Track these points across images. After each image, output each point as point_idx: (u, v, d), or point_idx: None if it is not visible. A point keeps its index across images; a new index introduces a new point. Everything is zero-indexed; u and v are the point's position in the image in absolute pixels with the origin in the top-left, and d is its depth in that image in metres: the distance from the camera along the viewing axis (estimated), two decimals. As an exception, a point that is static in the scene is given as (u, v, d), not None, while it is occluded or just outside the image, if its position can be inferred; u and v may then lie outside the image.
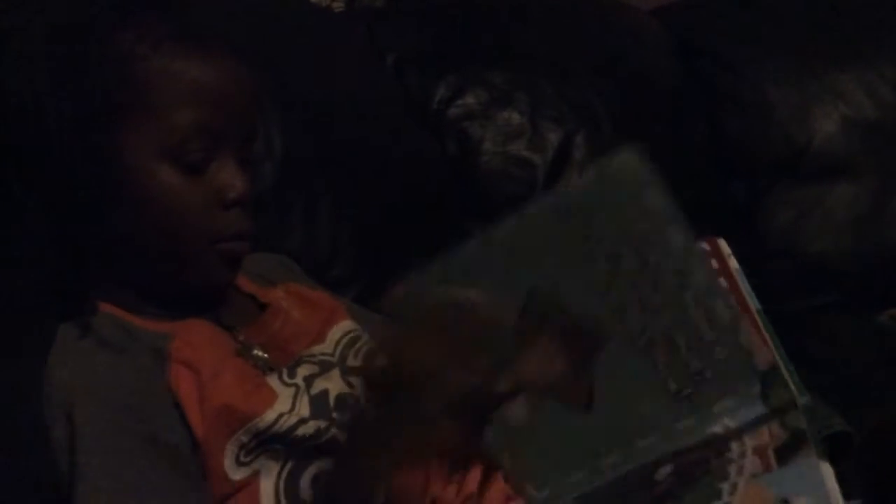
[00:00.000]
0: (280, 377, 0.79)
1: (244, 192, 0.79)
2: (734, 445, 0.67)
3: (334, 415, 0.79)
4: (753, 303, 0.76)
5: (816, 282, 1.61)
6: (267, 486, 0.75)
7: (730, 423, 0.67)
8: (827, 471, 0.62)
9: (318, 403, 0.79)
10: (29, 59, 0.76)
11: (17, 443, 0.73)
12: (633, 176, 0.68)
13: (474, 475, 0.81)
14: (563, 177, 1.50)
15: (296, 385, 0.79)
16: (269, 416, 0.75)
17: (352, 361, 0.86)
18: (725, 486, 0.65)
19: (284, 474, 0.75)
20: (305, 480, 0.75)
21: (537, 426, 0.72)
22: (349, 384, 0.83)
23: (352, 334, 0.89)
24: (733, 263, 0.78)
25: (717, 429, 0.67)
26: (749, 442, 0.67)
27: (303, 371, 0.81)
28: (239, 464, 0.74)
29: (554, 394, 0.70)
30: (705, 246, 0.82)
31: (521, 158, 1.49)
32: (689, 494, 0.67)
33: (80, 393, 0.72)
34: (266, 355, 0.82)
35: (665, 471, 0.68)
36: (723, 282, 0.75)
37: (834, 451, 0.77)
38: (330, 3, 1.64)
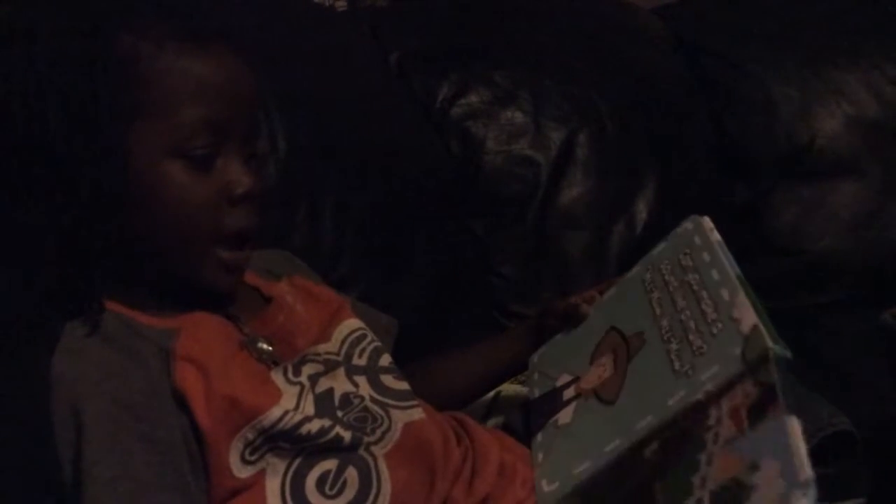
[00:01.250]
0: (285, 375, 0.79)
1: (252, 187, 0.80)
2: (713, 412, 0.68)
3: (339, 413, 0.79)
4: (734, 269, 0.79)
5: (820, 280, 1.61)
6: (273, 485, 0.75)
7: (710, 387, 0.69)
8: (793, 427, 0.61)
9: (323, 402, 0.79)
10: (34, 61, 0.76)
11: (23, 440, 0.73)
12: (689, 232, 0.88)
13: (485, 477, 0.81)
14: (566, 175, 1.50)
15: (300, 384, 0.79)
16: (275, 412, 0.75)
17: (357, 360, 0.87)
18: (703, 457, 0.66)
19: (290, 473, 0.75)
20: (311, 480, 0.76)
21: (573, 425, 0.79)
22: (354, 383, 0.84)
23: (357, 333, 0.89)
24: (715, 237, 0.85)
25: (699, 396, 0.69)
26: (725, 405, 0.68)
27: (307, 370, 0.81)
28: (245, 462, 0.74)
29: (597, 395, 0.82)
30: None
31: (524, 157, 1.49)
32: (672, 469, 0.69)
33: (84, 390, 0.72)
34: (271, 348, 0.82)
35: (652, 448, 0.70)
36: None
37: (837, 449, 0.78)
38: (333, 3, 1.64)
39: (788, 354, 0.67)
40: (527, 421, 0.89)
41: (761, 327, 0.69)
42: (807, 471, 0.59)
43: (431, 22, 1.59)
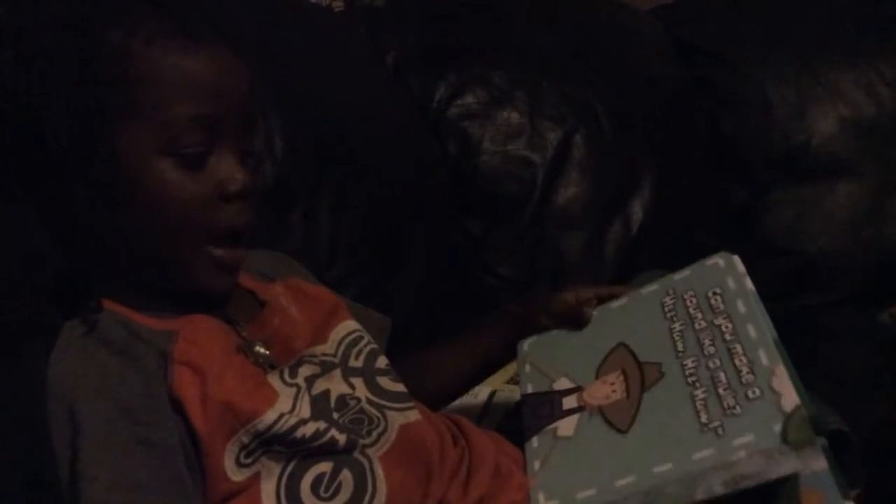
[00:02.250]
0: (281, 377, 0.79)
1: (245, 184, 0.79)
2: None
3: (335, 415, 0.79)
4: (770, 332, 0.79)
5: (815, 281, 1.61)
6: (268, 488, 0.75)
7: (743, 454, 0.70)
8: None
9: (319, 404, 0.79)
10: (23, 59, 0.76)
11: (19, 440, 0.73)
12: (721, 270, 0.87)
13: (481, 478, 0.81)
14: (562, 176, 1.51)
15: (297, 385, 0.79)
16: (270, 416, 0.75)
17: (353, 362, 0.87)
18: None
19: (285, 476, 0.75)
20: (306, 483, 0.75)
21: (576, 441, 0.78)
22: (350, 385, 0.84)
23: (354, 335, 0.89)
24: (749, 285, 0.84)
25: (730, 458, 0.69)
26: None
27: (304, 371, 0.81)
28: (239, 465, 0.74)
29: (603, 415, 0.81)
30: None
31: (520, 157, 1.50)
32: None
33: (81, 391, 0.72)
34: (267, 352, 0.82)
35: (665, 490, 0.71)
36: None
37: (831, 448, 0.78)
38: (330, 3, 1.64)
39: (826, 444, 0.68)
40: (518, 412, 0.88)
41: (804, 411, 0.69)
42: None
43: (428, 22, 1.59)
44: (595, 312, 0.93)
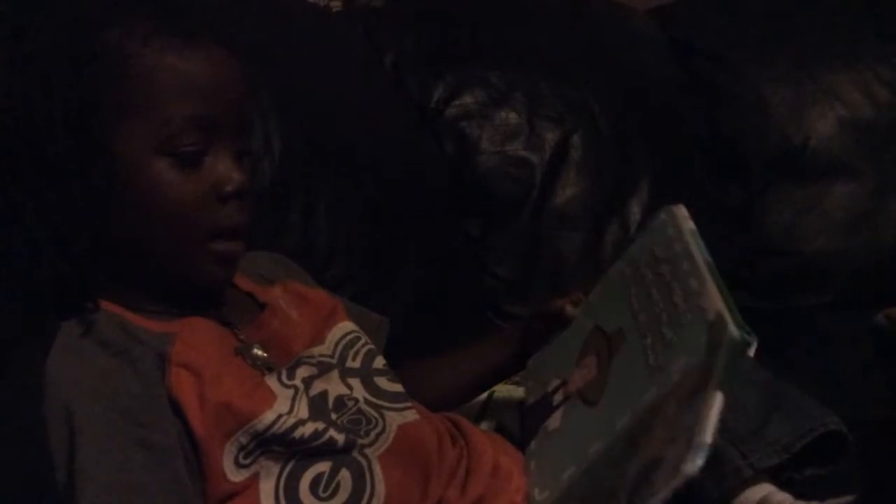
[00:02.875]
0: (279, 378, 0.79)
1: (241, 184, 0.79)
2: (671, 400, 0.69)
3: (333, 416, 0.79)
4: (704, 256, 0.77)
5: (813, 281, 1.61)
6: (266, 488, 0.75)
7: (677, 378, 0.69)
8: (713, 400, 0.62)
9: (317, 405, 0.79)
10: (21, 58, 0.76)
11: (18, 441, 0.73)
12: (663, 224, 0.85)
13: (479, 477, 0.81)
14: (560, 176, 1.51)
15: (295, 387, 0.79)
16: (269, 416, 0.75)
17: (351, 363, 0.87)
18: (643, 440, 0.69)
19: (284, 476, 0.75)
20: (305, 482, 0.75)
21: (562, 429, 0.79)
22: (348, 385, 0.84)
23: (351, 335, 0.89)
24: (689, 225, 0.83)
25: (668, 389, 0.69)
26: (681, 391, 0.68)
27: (302, 372, 0.81)
28: (238, 465, 0.74)
29: (581, 396, 0.82)
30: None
31: (518, 158, 1.50)
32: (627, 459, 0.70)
33: (79, 392, 0.72)
34: (265, 354, 0.82)
35: (623, 445, 0.72)
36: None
37: (828, 449, 0.78)
38: (328, 3, 1.64)
39: (753, 341, 0.66)
40: (521, 426, 0.89)
41: (726, 314, 0.67)
42: (704, 437, 0.59)
43: (426, 23, 1.59)
44: (578, 309, 0.94)
